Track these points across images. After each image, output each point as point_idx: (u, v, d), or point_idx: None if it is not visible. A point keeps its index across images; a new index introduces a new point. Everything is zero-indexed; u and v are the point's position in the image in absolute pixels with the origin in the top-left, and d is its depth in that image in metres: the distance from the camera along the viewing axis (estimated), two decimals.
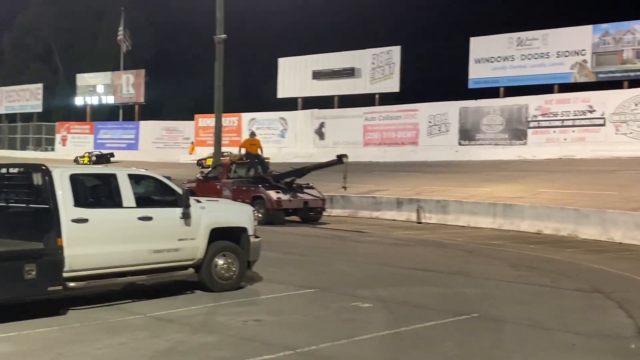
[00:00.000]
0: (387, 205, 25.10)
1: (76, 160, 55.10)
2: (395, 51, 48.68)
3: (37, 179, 9.52)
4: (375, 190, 28.26)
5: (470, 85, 45.16)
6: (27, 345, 7.93)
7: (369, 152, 45.84)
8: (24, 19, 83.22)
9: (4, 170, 10.15)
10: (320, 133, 50.90)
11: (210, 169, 26.04)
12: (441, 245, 17.80)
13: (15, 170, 10.16)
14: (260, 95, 65.71)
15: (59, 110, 76.27)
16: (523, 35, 43.38)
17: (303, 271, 13.25)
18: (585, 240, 18.99)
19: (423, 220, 23.24)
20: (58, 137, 69.57)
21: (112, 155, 58.06)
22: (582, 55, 41.51)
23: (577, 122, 40.16)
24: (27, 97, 74.44)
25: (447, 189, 27.76)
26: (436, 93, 46.62)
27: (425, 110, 45.55)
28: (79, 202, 9.55)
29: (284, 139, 52.71)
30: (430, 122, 45.24)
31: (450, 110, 44.44)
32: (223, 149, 32.00)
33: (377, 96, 49.38)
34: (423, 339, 8.42)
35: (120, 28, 66.08)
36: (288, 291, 11.12)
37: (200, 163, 49.51)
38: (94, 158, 56.32)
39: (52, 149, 68.38)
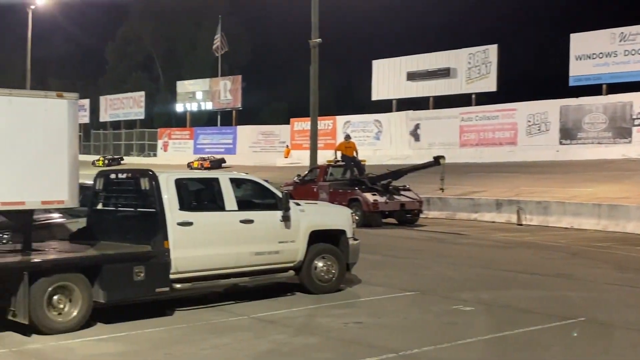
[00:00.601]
0: (486, 206, 24.65)
1: (93, 163, 60.64)
2: (492, 50, 47.78)
3: (144, 183, 9.86)
4: (473, 191, 27.81)
5: (571, 83, 43.81)
6: (137, 345, 8.22)
7: (466, 153, 45.13)
8: (126, 29, 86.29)
9: (113, 176, 10.58)
10: (415, 134, 50.50)
11: (306, 172, 26.22)
12: (543, 247, 17.35)
13: (124, 175, 10.58)
14: (354, 97, 65.86)
15: (160, 117, 78.69)
16: (626, 30, 41.75)
17: (402, 273, 13.19)
18: None
19: (523, 222, 22.71)
20: (160, 143, 71.71)
21: (121, 158, 67.02)
22: None
23: None
24: (130, 105, 77.11)
25: (548, 189, 27.03)
26: (535, 92, 45.48)
27: (524, 110, 44.50)
28: (184, 205, 9.84)
29: (379, 141, 52.55)
30: (529, 121, 44.15)
31: (551, 109, 43.23)
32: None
33: (473, 96, 48.61)
34: (528, 343, 8.24)
35: (217, 36, 67.56)
36: (388, 294, 11.10)
37: (189, 165, 55.53)
38: (106, 161, 63.74)
39: (155, 155, 70.57)
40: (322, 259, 11.06)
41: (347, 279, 11.66)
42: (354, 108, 57.22)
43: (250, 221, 10.40)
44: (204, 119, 73.56)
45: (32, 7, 49.61)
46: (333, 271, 11.11)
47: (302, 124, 55.41)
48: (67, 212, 11.28)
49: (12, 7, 63.51)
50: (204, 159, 58.03)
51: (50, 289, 8.47)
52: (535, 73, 56.99)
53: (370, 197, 21.98)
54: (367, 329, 8.87)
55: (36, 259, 8.80)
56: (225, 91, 66.92)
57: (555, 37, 47.89)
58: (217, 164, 55.26)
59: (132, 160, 68.09)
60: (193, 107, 71.01)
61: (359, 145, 28.54)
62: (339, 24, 56.34)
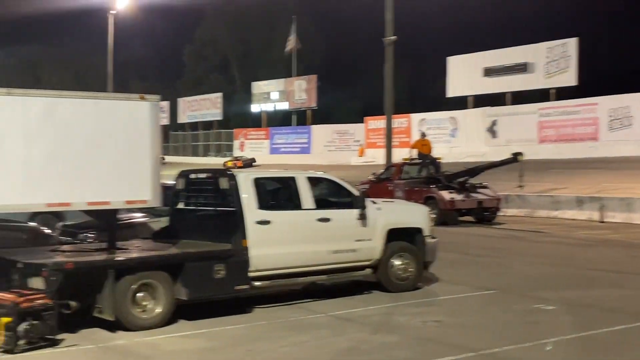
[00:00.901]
0: (567, 204, 24.04)
1: None
2: (571, 43, 46.59)
3: (223, 183, 10.04)
4: (553, 188, 27.18)
5: None
6: (218, 341, 8.37)
7: (545, 149, 44.16)
8: (203, 33, 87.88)
9: (193, 176, 10.80)
10: (492, 131, 49.68)
11: (382, 170, 26.13)
12: (628, 245, 16.83)
13: (203, 175, 10.79)
14: (429, 95, 65.24)
15: (237, 117, 79.79)
16: None
17: (481, 272, 13.02)
18: None
19: (606, 220, 22.06)
20: (236, 143, 72.69)
21: (163, 158, 69.77)
22: None
23: None
24: (208, 106, 78.46)
25: (632, 186, 26.16)
26: (617, 85, 44.10)
27: (605, 104, 43.23)
28: (262, 204, 9.96)
29: (455, 139, 51.92)
30: (611, 116, 42.87)
31: (634, 102, 41.86)
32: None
33: (552, 91, 47.53)
34: (613, 343, 8.03)
35: (291, 37, 68.07)
36: (466, 292, 10.98)
37: (224, 165, 56.61)
38: None
39: (231, 155, 71.55)
40: (400, 257, 11.02)
41: (425, 278, 11.58)
42: (428, 105, 56.72)
43: (327, 219, 10.45)
44: (279, 119, 74.25)
45: (113, 12, 51.05)
46: (410, 269, 11.06)
47: (376, 123, 55.27)
48: (149, 211, 11.59)
49: (93, 12, 65.53)
50: (237, 159, 61.30)
51: (134, 286, 8.72)
52: (616, 66, 55.32)
53: (446, 194, 21.77)
54: (445, 328, 8.80)
55: (121, 257, 9.07)
56: (300, 91, 67.38)
57: (637, 29, 46.31)
58: (249, 164, 58.50)
59: (210, 161, 69.18)
60: (268, 107, 71.78)
61: (435, 142, 28.31)
62: (412, 21, 55.94)
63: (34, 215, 11.96)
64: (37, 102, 8.64)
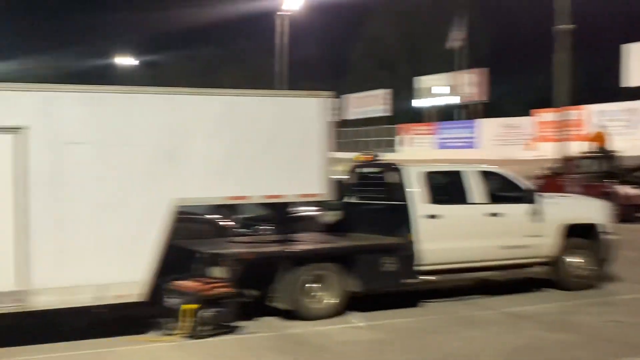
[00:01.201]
0: None
1: None
2: None
3: (393, 177, 10.12)
4: None
5: None
6: (389, 333, 8.46)
7: None
8: (369, 30, 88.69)
9: (365, 170, 11.04)
10: None
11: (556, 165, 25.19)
12: None
13: (375, 169, 10.97)
14: (604, 85, 62.09)
15: (401, 113, 79.78)
16: None
17: None
18: None
19: None
20: (401, 139, 72.77)
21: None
22: None
23: None
24: (373, 103, 79.14)
25: None
26: None
27: None
28: (430, 198, 9.93)
29: (635, 131, 49.07)
30: None
31: None
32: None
33: None
34: None
35: (456, 30, 67.16)
36: None
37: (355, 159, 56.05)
38: None
39: (396, 150, 71.65)
40: (576, 254, 10.64)
41: (603, 276, 11.06)
42: (604, 96, 53.92)
43: (497, 214, 10.25)
44: (444, 114, 73.49)
45: (281, 13, 52.66)
46: (587, 267, 10.66)
47: (547, 115, 53.33)
48: (322, 204, 11.86)
49: (266, 14, 67.94)
50: (368, 154, 60.96)
51: (308, 277, 8.99)
52: None
53: (624, 189, 20.67)
54: (627, 329, 8.39)
55: (295, 249, 9.38)
56: (467, 85, 66.35)
57: None
58: (376, 158, 58.51)
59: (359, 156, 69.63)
60: (433, 102, 71.27)
61: (613, 135, 26.91)
62: (583, 8, 53.40)
63: (214, 208, 12.57)
64: (218, 101, 9.10)
